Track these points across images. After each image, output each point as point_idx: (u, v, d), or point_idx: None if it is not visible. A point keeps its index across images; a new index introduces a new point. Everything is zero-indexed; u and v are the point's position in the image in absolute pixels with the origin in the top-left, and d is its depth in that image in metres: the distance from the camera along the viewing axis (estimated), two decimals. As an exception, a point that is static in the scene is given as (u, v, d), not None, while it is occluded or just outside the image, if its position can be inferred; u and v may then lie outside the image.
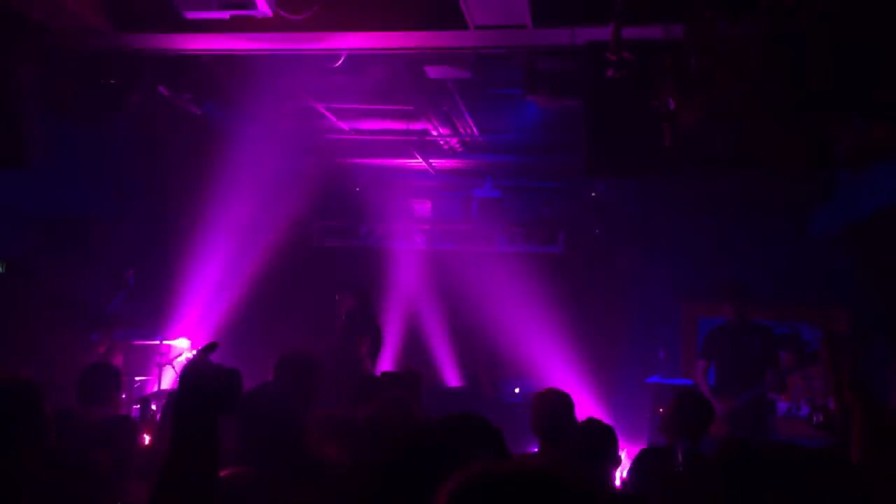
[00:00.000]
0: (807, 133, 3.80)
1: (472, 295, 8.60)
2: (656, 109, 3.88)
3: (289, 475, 2.52)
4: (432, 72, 5.87)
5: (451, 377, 8.50)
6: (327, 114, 7.02)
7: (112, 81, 5.23)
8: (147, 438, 3.98)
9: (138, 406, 5.79)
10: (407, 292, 8.68)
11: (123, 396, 5.47)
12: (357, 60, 5.72)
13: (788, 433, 6.72)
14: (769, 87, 3.52)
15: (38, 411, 2.40)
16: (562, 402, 3.93)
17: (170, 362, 6.62)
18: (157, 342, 6.83)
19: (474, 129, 7.27)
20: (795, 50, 3.60)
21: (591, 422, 3.60)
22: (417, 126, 7.27)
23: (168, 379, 6.67)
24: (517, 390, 7.15)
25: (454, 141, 7.61)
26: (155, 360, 6.66)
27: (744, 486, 2.96)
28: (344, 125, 7.42)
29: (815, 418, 3.18)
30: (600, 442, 3.42)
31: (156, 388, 6.49)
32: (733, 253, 7.93)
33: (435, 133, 7.35)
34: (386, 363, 6.86)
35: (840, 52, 3.72)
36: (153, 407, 5.60)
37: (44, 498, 2.48)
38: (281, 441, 2.59)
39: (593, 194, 8.30)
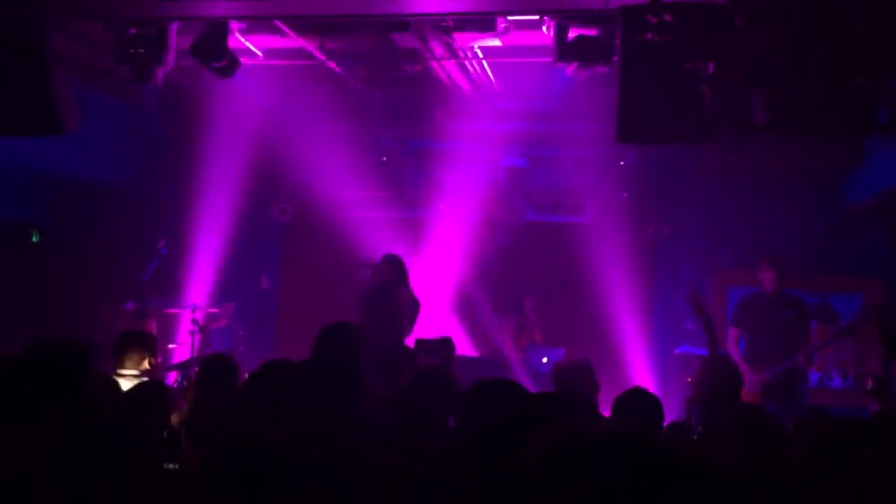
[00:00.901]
0: (849, 96, 3.71)
1: (498, 264, 8.59)
2: (694, 73, 3.80)
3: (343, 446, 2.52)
4: (461, 38, 5.81)
5: (478, 346, 8.53)
6: (351, 80, 6.97)
7: (141, 51, 5.24)
8: (185, 404, 4.03)
9: (173, 373, 5.87)
10: (433, 262, 8.69)
11: (159, 361, 5.54)
12: (383, 27, 5.67)
13: (820, 404, 6.68)
14: (812, 48, 3.44)
15: (85, 373, 2.44)
16: (582, 370, 3.92)
17: (202, 330, 6.69)
18: (190, 310, 6.91)
19: (502, 96, 7.19)
20: (840, 10, 3.51)
21: (637, 391, 3.52)
22: (444, 94, 7.19)
23: (198, 346, 6.76)
24: (545, 360, 7.15)
25: (480, 108, 7.53)
26: (187, 327, 6.75)
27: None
28: (371, 91, 7.36)
29: (867, 384, 3.16)
30: (646, 412, 3.36)
31: (189, 356, 6.57)
32: (763, 222, 7.82)
33: (461, 100, 7.28)
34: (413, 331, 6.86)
35: (885, 13, 3.62)
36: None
37: (81, 459, 2.52)
38: (336, 418, 2.56)
39: (622, 163, 8.19)
